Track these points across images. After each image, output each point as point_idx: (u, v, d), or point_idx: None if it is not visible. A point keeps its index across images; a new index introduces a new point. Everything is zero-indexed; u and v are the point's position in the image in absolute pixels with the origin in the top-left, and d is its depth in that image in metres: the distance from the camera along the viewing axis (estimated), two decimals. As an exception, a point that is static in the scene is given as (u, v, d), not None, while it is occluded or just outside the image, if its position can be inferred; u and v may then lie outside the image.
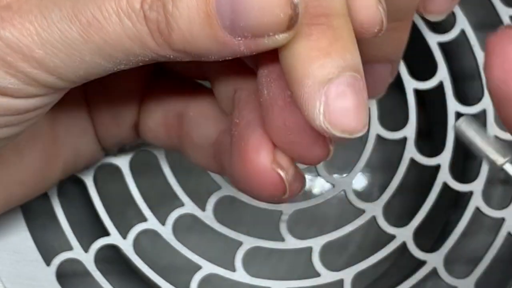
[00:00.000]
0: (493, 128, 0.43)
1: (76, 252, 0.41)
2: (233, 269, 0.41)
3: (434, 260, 0.42)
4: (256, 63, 0.31)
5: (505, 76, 0.26)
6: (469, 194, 0.42)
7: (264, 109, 0.31)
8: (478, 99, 0.43)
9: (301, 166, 0.32)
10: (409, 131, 0.43)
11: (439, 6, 0.39)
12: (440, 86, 0.44)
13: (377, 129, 0.43)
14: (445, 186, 0.43)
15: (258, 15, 0.27)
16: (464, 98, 0.44)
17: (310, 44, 0.28)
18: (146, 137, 0.38)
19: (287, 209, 0.42)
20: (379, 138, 0.43)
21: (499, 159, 0.26)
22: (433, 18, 0.39)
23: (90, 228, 0.42)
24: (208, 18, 0.27)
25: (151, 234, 0.42)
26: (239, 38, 0.28)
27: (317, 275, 0.42)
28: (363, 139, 0.43)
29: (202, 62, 0.30)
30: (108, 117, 0.38)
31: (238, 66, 0.33)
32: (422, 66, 0.44)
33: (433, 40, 0.44)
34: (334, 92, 0.27)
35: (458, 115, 0.43)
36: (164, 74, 0.38)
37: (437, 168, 0.43)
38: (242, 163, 0.31)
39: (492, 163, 0.26)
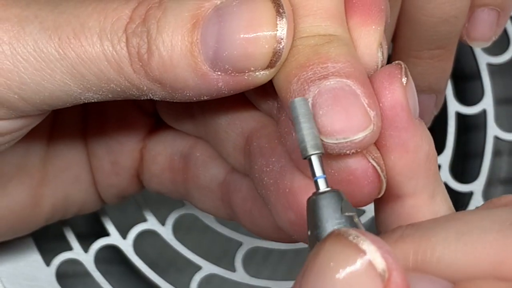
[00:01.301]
0: (493, 128, 0.43)
1: (76, 252, 0.41)
2: (233, 269, 0.41)
3: (434, 260, 0.42)
4: (277, 111, 0.30)
5: None
6: (469, 194, 0.42)
7: (297, 153, 0.28)
8: (478, 99, 0.43)
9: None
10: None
11: (483, 33, 0.39)
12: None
13: (377, 129, 0.43)
14: (445, 186, 0.42)
15: (243, 44, 0.26)
16: (464, 98, 0.44)
17: (291, 63, 0.27)
18: (150, 185, 0.36)
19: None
20: (379, 138, 0.43)
21: (309, 150, 0.26)
22: (477, 45, 0.39)
23: (90, 229, 0.42)
24: (191, 46, 0.27)
25: (151, 234, 0.42)
26: (219, 73, 0.27)
27: (317, 275, 0.42)
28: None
29: (199, 122, 0.30)
30: (107, 164, 0.36)
31: (250, 118, 0.32)
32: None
33: (433, 40, 0.44)
34: (318, 101, 0.26)
35: (458, 115, 0.43)
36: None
37: (437, 168, 0.43)
38: (290, 207, 0.29)
39: (302, 150, 0.26)
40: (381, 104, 0.27)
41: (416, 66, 0.38)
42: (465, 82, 0.45)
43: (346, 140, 0.26)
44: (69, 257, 0.41)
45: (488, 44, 0.39)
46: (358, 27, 0.28)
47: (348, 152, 0.26)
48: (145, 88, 0.28)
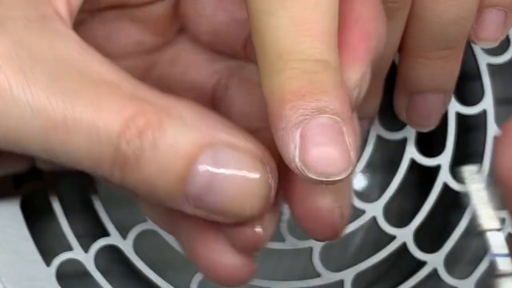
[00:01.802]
0: (493, 128, 0.43)
1: (76, 252, 0.41)
2: (233, 269, 0.41)
3: (435, 260, 0.42)
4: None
5: None
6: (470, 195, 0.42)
7: None
8: (478, 99, 0.43)
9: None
10: (410, 131, 0.43)
11: (491, 33, 0.38)
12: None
13: (377, 129, 0.43)
14: (446, 187, 0.43)
15: (229, 202, 0.28)
16: (464, 98, 0.44)
17: (285, 86, 0.27)
18: None
19: (287, 209, 0.42)
20: (379, 138, 0.43)
21: (486, 224, 0.25)
22: (485, 45, 0.39)
23: (90, 229, 0.42)
24: (178, 188, 0.27)
25: (151, 234, 0.42)
26: (193, 206, 0.28)
27: (317, 275, 0.42)
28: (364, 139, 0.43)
29: None
30: None
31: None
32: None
33: (433, 40, 0.44)
34: (308, 135, 0.27)
35: (458, 115, 0.43)
36: None
37: (437, 168, 0.43)
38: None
39: (477, 225, 0.25)
40: None
41: (425, 67, 0.38)
42: (465, 82, 0.45)
43: (327, 179, 0.27)
44: (69, 257, 0.41)
45: (495, 44, 0.39)
46: (341, 65, 0.28)
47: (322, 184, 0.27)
48: (112, 185, 0.29)
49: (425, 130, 0.41)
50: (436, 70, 0.37)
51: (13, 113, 0.27)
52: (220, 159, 0.28)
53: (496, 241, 0.24)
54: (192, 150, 0.27)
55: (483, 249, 0.42)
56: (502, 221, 0.24)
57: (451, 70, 0.38)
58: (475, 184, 0.25)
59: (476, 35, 0.38)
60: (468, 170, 0.25)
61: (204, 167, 0.27)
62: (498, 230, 0.24)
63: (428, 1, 0.36)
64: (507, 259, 0.23)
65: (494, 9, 0.38)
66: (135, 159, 0.27)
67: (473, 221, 0.25)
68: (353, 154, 0.27)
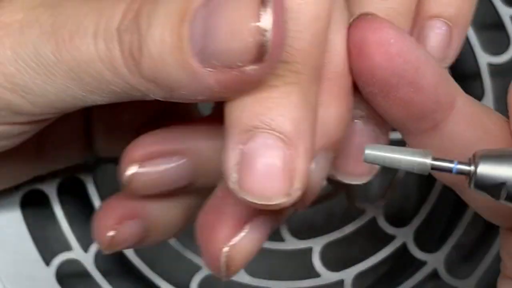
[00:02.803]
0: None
1: (76, 252, 0.41)
2: (233, 269, 0.41)
3: (435, 260, 0.42)
4: None
5: None
6: (470, 194, 0.42)
7: None
8: (478, 99, 0.43)
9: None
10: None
11: (433, 50, 0.34)
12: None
13: (377, 129, 0.43)
14: (446, 186, 0.42)
15: (227, 38, 0.25)
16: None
17: (260, 88, 0.26)
18: None
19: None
20: (379, 138, 0.43)
21: (423, 161, 0.26)
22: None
23: (89, 229, 0.42)
24: (180, 42, 0.26)
25: (151, 234, 0.42)
26: (209, 69, 0.26)
27: (317, 275, 0.42)
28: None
29: None
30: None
31: None
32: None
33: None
34: (246, 150, 0.26)
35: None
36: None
37: (437, 168, 0.43)
38: None
39: (422, 170, 0.26)
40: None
41: None
42: (465, 82, 0.45)
43: (260, 203, 0.26)
44: (69, 257, 0.41)
45: (443, 65, 0.35)
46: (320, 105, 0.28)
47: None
48: (143, 89, 0.27)
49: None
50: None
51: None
52: (212, 5, 0.26)
53: (442, 162, 0.26)
54: (184, 6, 0.26)
55: (483, 249, 0.42)
56: None
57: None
58: (385, 152, 0.26)
59: None
60: (370, 149, 0.26)
61: (198, 15, 0.26)
62: (429, 153, 0.26)
63: None
64: (458, 163, 0.26)
65: (437, 21, 0.34)
66: (138, 42, 0.26)
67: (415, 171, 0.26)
68: (296, 186, 0.26)
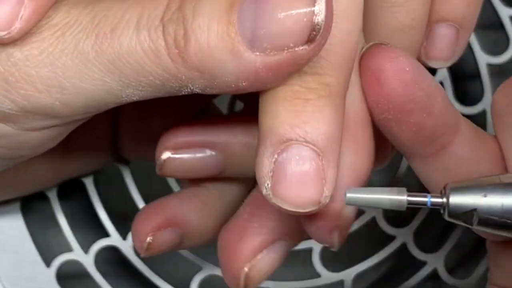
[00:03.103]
0: (493, 128, 0.43)
1: (76, 253, 0.41)
2: (233, 270, 0.41)
3: (435, 260, 0.42)
4: None
5: None
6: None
7: None
8: (478, 99, 0.43)
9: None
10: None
11: (441, 51, 0.37)
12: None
13: (377, 129, 0.43)
14: (445, 187, 0.42)
15: (282, 19, 0.26)
16: (464, 98, 0.44)
17: (280, 96, 0.28)
18: None
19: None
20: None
21: (399, 199, 0.28)
22: (436, 65, 0.37)
23: (90, 229, 0.42)
24: (228, 28, 0.27)
25: (151, 235, 0.42)
26: (257, 53, 0.27)
27: (317, 275, 0.42)
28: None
29: None
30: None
31: None
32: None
33: (433, 40, 0.44)
34: (285, 159, 0.27)
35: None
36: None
37: (437, 168, 0.43)
38: None
39: (399, 207, 0.28)
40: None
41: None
42: (465, 82, 0.45)
43: (292, 209, 0.28)
44: (69, 258, 0.41)
45: (447, 64, 0.37)
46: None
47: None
48: (183, 78, 0.28)
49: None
50: None
51: None
52: None
53: (416, 197, 0.28)
54: None
55: (483, 249, 0.42)
56: None
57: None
58: (365, 194, 0.28)
59: (426, 53, 0.37)
60: (351, 193, 0.28)
61: (246, 1, 0.27)
62: (403, 192, 0.28)
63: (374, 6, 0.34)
64: (431, 197, 0.28)
65: (445, 24, 0.36)
66: (184, 31, 0.27)
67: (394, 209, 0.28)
68: (326, 192, 0.28)
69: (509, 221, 0.27)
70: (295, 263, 0.43)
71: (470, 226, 0.28)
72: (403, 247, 0.42)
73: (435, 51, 0.37)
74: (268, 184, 0.28)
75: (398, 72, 0.30)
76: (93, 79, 0.28)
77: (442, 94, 0.31)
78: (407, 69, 0.30)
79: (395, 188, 0.28)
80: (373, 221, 0.42)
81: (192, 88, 0.28)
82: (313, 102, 0.28)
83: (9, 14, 0.28)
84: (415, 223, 0.42)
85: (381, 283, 0.43)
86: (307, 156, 0.27)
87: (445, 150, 0.31)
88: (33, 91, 0.28)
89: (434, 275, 0.42)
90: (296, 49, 0.27)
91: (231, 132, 0.35)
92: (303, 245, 0.42)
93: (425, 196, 0.28)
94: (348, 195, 0.28)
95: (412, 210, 0.43)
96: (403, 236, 0.42)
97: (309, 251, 0.42)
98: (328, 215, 0.30)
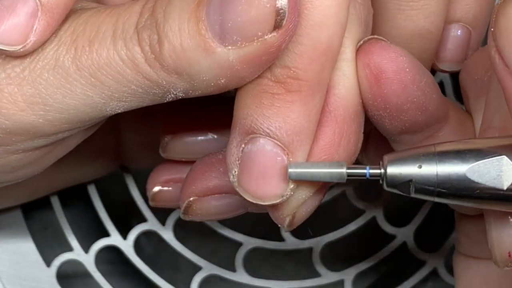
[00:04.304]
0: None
1: (77, 253, 0.41)
2: (233, 269, 0.41)
3: (435, 260, 0.42)
4: None
5: None
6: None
7: None
8: (478, 99, 0.43)
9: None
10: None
11: (453, 53, 0.36)
12: (440, 86, 0.43)
13: (377, 129, 0.43)
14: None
15: (246, 8, 0.26)
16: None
17: (263, 95, 0.28)
18: None
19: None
20: (379, 138, 0.43)
21: (339, 172, 0.28)
22: (447, 67, 0.36)
23: (90, 229, 0.42)
24: (198, 25, 0.27)
25: (151, 234, 0.42)
26: (229, 47, 0.27)
27: (318, 275, 0.42)
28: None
29: None
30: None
31: None
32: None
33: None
34: (249, 150, 0.28)
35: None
36: None
37: (437, 168, 0.43)
38: None
39: (338, 179, 0.29)
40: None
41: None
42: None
43: (253, 201, 0.28)
44: (69, 258, 0.41)
45: (459, 67, 0.36)
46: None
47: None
48: (164, 83, 0.28)
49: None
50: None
51: None
52: None
53: (355, 169, 0.29)
54: None
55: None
56: None
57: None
58: (305, 169, 0.29)
59: (438, 56, 0.36)
60: (292, 168, 0.28)
61: None
62: (343, 165, 0.29)
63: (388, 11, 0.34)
64: (368, 168, 0.29)
65: (458, 25, 0.35)
66: (157, 35, 0.27)
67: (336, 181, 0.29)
68: (292, 186, 0.28)
69: (444, 190, 0.28)
70: (295, 262, 0.43)
71: (408, 195, 0.28)
72: (403, 247, 0.42)
73: (447, 53, 0.36)
74: (235, 172, 0.28)
75: (398, 72, 0.30)
76: (76, 94, 0.28)
77: (437, 90, 0.31)
78: (407, 69, 0.30)
79: (335, 162, 0.29)
80: (373, 221, 0.42)
81: (174, 92, 0.28)
82: (281, 97, 0.28)
83: (24, 28, 0.28)
84: (416, 222, 0.42)
85: (381, 282, 0.43)
86: (270, 151, 0.28)
87: (432, 138, 0.31)
88: (16, 109, 0.28)
89: (434, 275, 0.42)
90: (266, 37, 0.27)
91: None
92: (303, 245, 0.42)
93: (364, 168, 0.28)
94: (290, 170, 0.28)
95: (413, 210, 0.43)
96: (403, 235, 0.42)
97: (309, 250, 0.42)
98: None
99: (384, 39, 0.30)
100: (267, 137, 0.28)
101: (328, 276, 0.42)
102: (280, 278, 0.42)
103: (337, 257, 0.43)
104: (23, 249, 0.40)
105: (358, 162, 0.34)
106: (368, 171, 0.28)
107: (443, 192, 0.28)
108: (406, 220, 0.42)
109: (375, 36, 0.30)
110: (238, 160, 0.28)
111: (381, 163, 0.28)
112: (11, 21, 0.28)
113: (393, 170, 0.28)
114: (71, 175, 0.39)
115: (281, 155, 0.28)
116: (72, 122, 0.29)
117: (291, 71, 0.28)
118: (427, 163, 0.28)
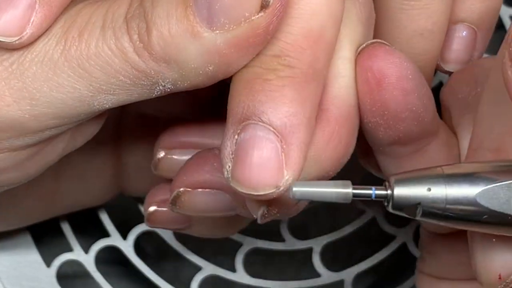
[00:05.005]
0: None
1: (77, 253, 0.41)
2: (233, 269, 0.41)
3: (434, 260, 0.42)
4: None
5: None
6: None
7: None
8: (478, 99, 0.43)
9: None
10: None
11: (458, 54, 0.35)
12: (440, 86, 0.43)
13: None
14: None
15: None
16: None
17: (254, 81, 0.28)
18: None
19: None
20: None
21: (344, 193, 0.27)
22: (453, 68, 0.36)
23: (90, 229, 0.42)
24: (186, 11, 0.27)
25: (151, 235, 0.42)
26: (217, 31, 0.27)
27: (318, 275, 0.42)
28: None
29: None
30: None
31: None
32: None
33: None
34: (242, 139, 0.27)
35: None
36: None
37: (437, 168, 0.43)
38: None
39: (341, 198, 0.27)
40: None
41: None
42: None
43: (248, 193, 0.27)
44: (69, 258, 0.41)
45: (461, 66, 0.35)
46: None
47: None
48: (152, 73, 0.28)
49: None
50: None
51: None
52: None
53: (361, 190, 0.28)
54: None
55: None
56: None
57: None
58: (310, 188, 0.27)
59: (442, 57, 0.35)
60: (297, 187, 0.27)
61: None
62: (348, 184, 0.27)
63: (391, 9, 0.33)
64: (375, 189, 0.27)
65: (462, 25, 0.35)
66: (145, 24, 0.27)
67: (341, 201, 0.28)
68: (287, 175, 0.27)
69: (451, 214, 0.27)
70: (295, 262, 0.43)
71: (413, 218, 0.28)
72: (403, 247, 0.42)
73: (452, 53, 0.35)
74: (229, 167, 0.27)
75: (401, 79, 0.29)
76: (63, 87, 0.28)
77: (433, 103, 0.30)
78: (410, 77, 0.29)
79: (340, 181, 0.27)
80: (373, 221, 0.42)
81: (163, 84, 0.28)
82: (272, 82, 0.27)
83: (20, 19, 0.28)
84: (415, 222, 0.42)
85: (381, 282, 0.43)
86: (263, 137, 0.27)
87: (421, 152, 0.31)
88: (1, 104, 0.28)
89: (434, 275, 0.42)
90: (253, 18, 0.27)
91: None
92: (303, 245, 0.42)
93: (370, 189, 0.27)
94: (294, 189, 0.27)
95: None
96: (403, 236, 0.42)
97: (309, 250, 0.42)
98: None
99: (387, 44, 0.30)
100: (260, 123, 0.27)
101: (328, 276, 0.42)
102: (280, 278, 0.42)
103: (337, 257, 0.43)
104: (23, 249, 0.40)
105: (361, 168, 0.35)
106: (374, 192, 0.27)
107: (451, 216, 0.27)
108: (406, 220, 0.42)
109: (379, 40, 0.30)
110: (232, 154, 0.27)
111: (387, 184, 0.28)
112: (10, 12, 0.28)
113: (401, 191, 0.27)
114: (69, 199, 0.38)
115: (275, 142, 0.27)
116: (59, 118, 0.29)
117: (282, 59, 0.28)
118: (436, 185, 0.27)
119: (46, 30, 0.28)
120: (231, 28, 0.27)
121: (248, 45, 0.27)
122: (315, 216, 0.44)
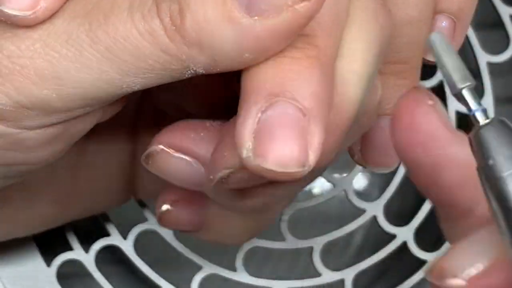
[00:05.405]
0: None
1: (77, 252, 0.41)
2: (233, 269, 0.41)
3: (435, 259, 0.42)
4: None
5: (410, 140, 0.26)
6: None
7: None
8: (479, 98, 0.43)
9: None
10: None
11: None
12: (440, 86, 0.43)
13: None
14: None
15: None
16: (464, 97, 0.44)
17: (282, 60, 0.27)
18: None
19: (288, 208, 0.42)
20: (379, 137, 0.43)
21: (459, 82, 0.25)
22: (432, 57, 0.34)
23: (90, 229, 0.42)
24: None
25: (152, 234, 0.42)
26: (256, 17, 0.26)
27: (318, 275, 0.42)
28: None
29: None
30: None
31: None
32: (422, 66, 0.44)
33: (433, 39, 0.44)
34: (269, 116, 0.26)
35: (458, 114, 0.43)
36: None
37: (437, 167, 0.43)
38: None
39: (451, 85, 0.25)
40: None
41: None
42: (465, 81, 0.44)
43: (275, 169, 0.26)
44: (69, 258, 0.41)
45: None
46: None
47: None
48: (184, 57, 0.27)
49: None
50: (390, 88, 0.33)
51: None
52: None
53: (471, 97, 0.25)
54: None
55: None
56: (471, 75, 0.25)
57: (399, 88, 0.34)
58: (441, 46, 0.25)
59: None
60: (435, 36, 0.25)
61: None
62: (470, 86, 0.25)
63: None
64: (483, 111, 0.25)
65: (442, 16, 0.35)
66: (178, 6, 0.26)
67: (448, 83, 0.25)
68: (312, 156, 0.26)
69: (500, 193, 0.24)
70: (295, 262, 0.43)
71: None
72: (404, 246, 0.42)
73: None
74: (249, 146, 0.26)
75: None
76: (91, 68, 0.27)
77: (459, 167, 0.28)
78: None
79: (464, 74, 0.25)
80: (373, 220, 0.42)
81: (194, 68, 0.27)
82: (300, 61, 0.27)
83: None
84: (416, 222, 0.42)
85: (381, 282, 0.44)
86: (293, 115, 0.26)
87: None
88: (28, 83, 0.27)
89: (434, 274, 0.42)
90: (296, 6, 0.26)
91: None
92: (303, 244, 0.42)
93: (479, 104, 0.25)
94: (432, 37, 0.25)
95: (413, 209, 0.43)
96: (404, 235, 0.42)
97: (309, 250, 0.42)
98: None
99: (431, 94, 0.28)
100: (291, 100, 0.26)
101: (329, 276, 0.42)
102: (280, 277, 0.42)
103: (337, 257, 0.43)
104: (23, 249, 0.40)
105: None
106: (474, 111, 0.25)
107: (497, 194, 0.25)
108: (407, 219, 0.42)
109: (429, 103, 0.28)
110: (253, 133, 0.26)
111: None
112: None
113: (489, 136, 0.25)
114: (84, 203, 0.38)
115: (304, 121, 0.26)
116: (87, 99, 0.28)
117: (310, 39, 0.27)
118: None
119: (67, 8, 0.28)
120: (271, 16, 0.26)
121: (288, 32, 0.26)
122: (316, 216, 0.44)
